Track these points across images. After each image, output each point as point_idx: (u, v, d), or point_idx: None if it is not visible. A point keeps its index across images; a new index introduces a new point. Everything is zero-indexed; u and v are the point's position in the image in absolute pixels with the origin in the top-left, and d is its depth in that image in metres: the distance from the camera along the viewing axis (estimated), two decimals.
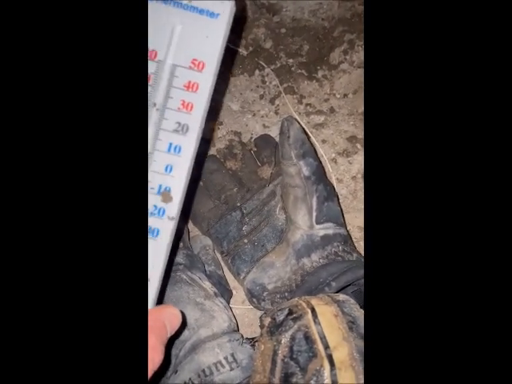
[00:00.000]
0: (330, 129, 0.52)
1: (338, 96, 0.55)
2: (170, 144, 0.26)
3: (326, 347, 0.25)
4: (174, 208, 0.27)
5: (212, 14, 0.26)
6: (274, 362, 0.26)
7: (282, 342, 0.26)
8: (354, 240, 0.41)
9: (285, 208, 0.39)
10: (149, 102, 0.26)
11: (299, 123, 0.38)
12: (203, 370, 0.31)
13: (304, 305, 0.27)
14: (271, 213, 0.41)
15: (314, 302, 0.27)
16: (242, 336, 0.34)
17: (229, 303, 0.39)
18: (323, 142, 0.51)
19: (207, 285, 0.36)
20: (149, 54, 0.26)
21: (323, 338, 0.25)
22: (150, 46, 0.26)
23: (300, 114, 0.54)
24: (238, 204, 0.42)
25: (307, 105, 0.55)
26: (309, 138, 0.41)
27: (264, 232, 0.40)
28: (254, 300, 0.38)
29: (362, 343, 0.25)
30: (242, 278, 0.39)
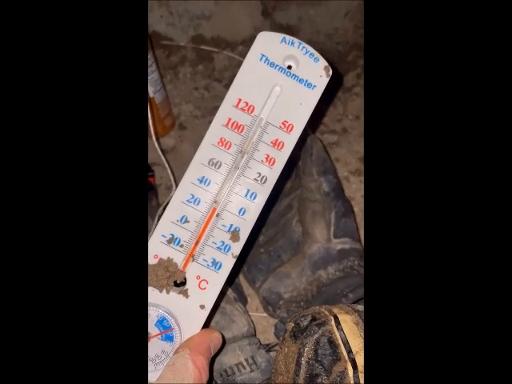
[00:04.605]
0: (343, 148, 0.55)
1: (351, 117, 0.58)
2: (248, 190, 0.29)
3: (349, 352, 0.27)
4: (239, 247, 0.30)
5: (310, 85, 0.29)
6: (298, 364, 0.27)
7: (307, 345, 0.27)
8: None
9: (302, 221, 0.41)
10: (237, 149, 0.29)
11: (321, 142, 0.41)
12: (225, 370, 0.32)
13: (326, 312, 0.29)
14: (287, 225, 0.43)
15: (335, 310, 0.29)
16: (259, 341, 0.36)
17: None
18: (336, 160, 0.53)
19: (228, 290, 0.37)
20: (248, 108, 0.29)
21: (346, 344, 0.27)
22: (250, 101, 0.29)
23: (314, 132, 0.56)
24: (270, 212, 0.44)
25: (321, 124, 0.58)
26: (327, 154, 0.44)
27: (280, 243, 0.42)
28: (270, 308, 0.40)
29: None
30: (257, 286, 0.41)
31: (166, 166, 0.41)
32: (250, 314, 0.42)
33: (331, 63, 0.30)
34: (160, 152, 0.40)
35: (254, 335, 0.37)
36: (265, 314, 0.41)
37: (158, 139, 0.43)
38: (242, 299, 0.41)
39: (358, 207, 0.49)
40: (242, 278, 0.43)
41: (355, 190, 0.51)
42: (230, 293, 0.37)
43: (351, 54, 0.63)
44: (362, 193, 0.51)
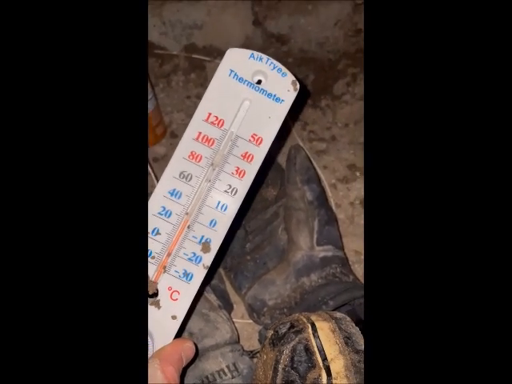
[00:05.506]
0: (331, 156, 0.55)
1: (340, 125, 0.59)
2: (219, 202, 0.30)
3: (324, 359, 0.27)
4: (210, 258, 0.30)
5: (278, 99, 0.30)
6: (275, 371, 0.28)
7: (284, 352, 0.28)
8: (350, 263, 0.43)
9: (287, 229, 0.42)
10: (208, 162, 0.30)
11: (305, 151, 0.42)
12: (207, 377, 0.33)
13: (304, 320, 0.30)
14: (274, 233, 0.43)
15: (313, 317, 0.30)
16: (243, 347, 0.37)
17: None
18: (324, 167, 0.54)
19: (212, 297, 0.38)
20: (217, 122, 0.30)
21: (321, 351, 0.28)
22: (220, 115, 0.30)
23: (303, 140, 0.57)
24: (242, 222, 0.44)
25: (310, 132, 0.58)
26: (311, 163, 0.44)
27: (266, 250, 0.43)
28: (254, 315, 0.40)
29: (356, 357, 0.28)
30: (243, 293, 0.42)
31: (152, 175, 0.42)
32: (236, 320, 0.42)
33: (298, 78, 0.31)
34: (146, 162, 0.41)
35: (238, 342, 0.38)
36: (250, 321, 0.42)
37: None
38: (228, 306, 0.41)
39: (345, 214, 0.50)
40: (228, 285, 0.44)
41: (342, 197, 0.51)
42: (215, 300, 0.38)
43: (341, 62, 0.64)
44: (349, 200, 0.51)
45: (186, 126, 0.58)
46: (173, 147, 0.57)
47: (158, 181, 0.44)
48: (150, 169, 0.42)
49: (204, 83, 0.64)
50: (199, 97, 0.62)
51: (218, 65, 0.66)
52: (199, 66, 0.65)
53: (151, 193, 0.51)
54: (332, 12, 0.64)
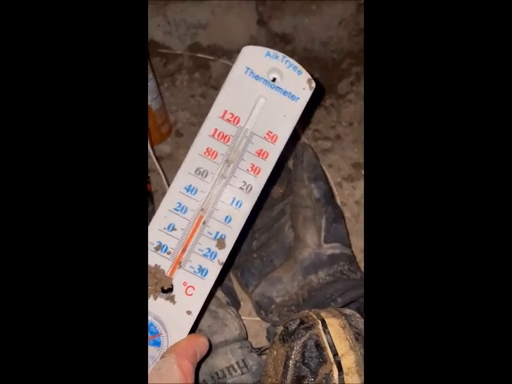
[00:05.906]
0: (336, 154, 0.56)
1: (344, 124, 0.59)
2: (234, 198, 0.30)
3: (335, 354, 0.27)
4: (225, 254, 0.30)
5: (293, 97, 0.30)
6: (286, 366, 0.28)
7: (295, 348, 0.28)
8: (356, 260, 0.44)
9: (294, 226, 0.42)
10: (223, 158, 0.30)
11: (312, 149, 0.42)
12: (216, 373, 0.33)
13: (314, 316, 0.30)
14: (280, 230, 0.43)
15: (323, 314, 0.30)
16: (251, 344, 0.37)
17: None
18: (329, 166, 0.54)
19: (220, 294, 0.38)
20: (233, 119, 0.30)
21: (332, 347, 0.28)
22: (236, 112, 0.30)
23: (308, 138, 0.57)
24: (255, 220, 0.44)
25: (315, 131, 0.59)
26: (318, 160, 0.44)
27: (273, 248, 0.43)
28: (262, 312, 0.40)
29: None
30: (250, 290, 0.42)
31: (161, 172, 0.42)
32: (243, 318, 0.42)
33: (314, 77, 0.31)
34: (154, 159, 0.41)
35: (246, 339, 0.38)
36: (257, 318, 0.42)
37: (152, 146, 0.44)
38: (235, 303, 0.41)
39: (351, 213, 0.50)
40: (235, 283, 0.44)
41: (348, 195, 0.51)
42: (223, 297, 0.38)
43: (345, 61, 0.64)
44: (355, 198, 0.51)
45: (191, 124, 0.60)
46: (178, 146, 0.57)
47: (166, 179, 0.45)
48: (158, 166, 0.42)
49: (208, 82, 0.64)
50: (203, 96, 0.62)
51: (222, 64, 0.67)
52: (203, 66, 0.65)
53: (156, 191, 0.51)
54: (336, 12, 0.64)
